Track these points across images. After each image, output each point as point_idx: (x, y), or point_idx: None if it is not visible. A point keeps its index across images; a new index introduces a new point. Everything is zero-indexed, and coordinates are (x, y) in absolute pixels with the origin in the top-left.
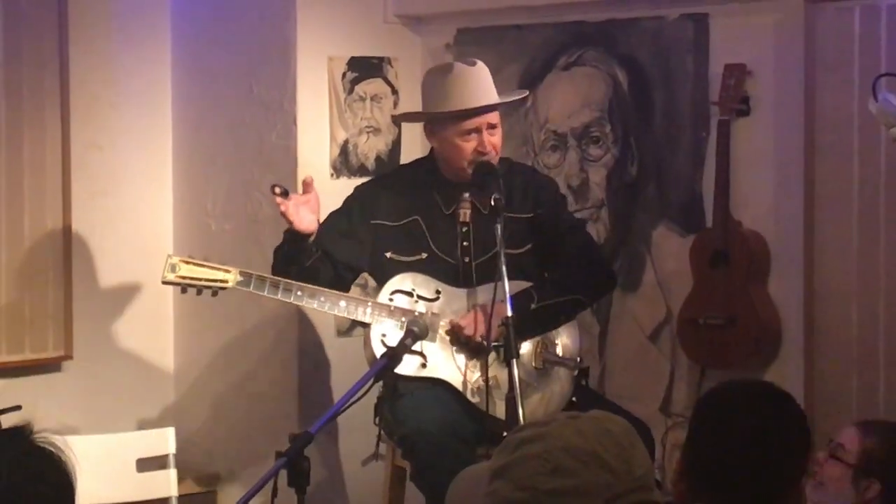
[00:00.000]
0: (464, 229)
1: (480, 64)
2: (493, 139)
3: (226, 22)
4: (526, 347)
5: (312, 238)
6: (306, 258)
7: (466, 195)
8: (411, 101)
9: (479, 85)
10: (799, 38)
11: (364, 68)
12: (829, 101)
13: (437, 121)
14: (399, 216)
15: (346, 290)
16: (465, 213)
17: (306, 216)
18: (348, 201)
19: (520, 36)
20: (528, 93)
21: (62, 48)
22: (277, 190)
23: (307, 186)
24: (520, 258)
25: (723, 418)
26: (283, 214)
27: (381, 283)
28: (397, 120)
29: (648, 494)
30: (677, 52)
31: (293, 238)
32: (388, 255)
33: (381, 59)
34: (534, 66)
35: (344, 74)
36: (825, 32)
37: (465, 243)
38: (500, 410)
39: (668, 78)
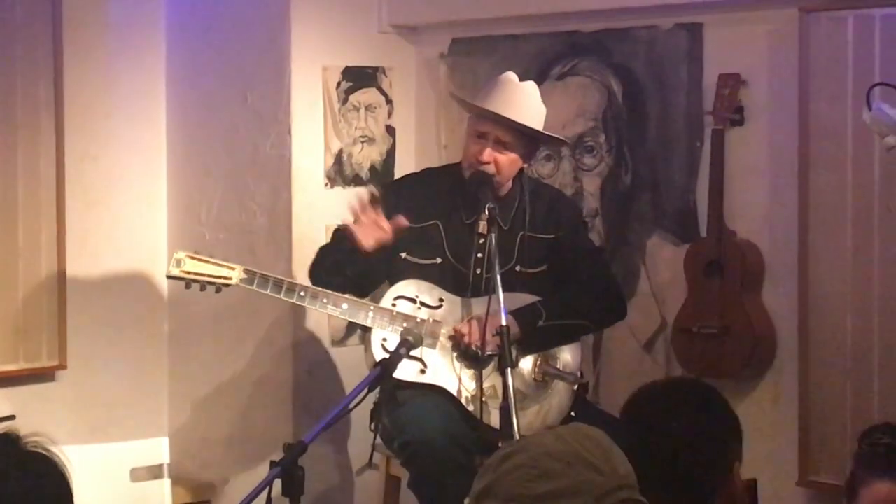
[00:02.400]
0: (481, 241)
1: (531, 84)
2: (499, 156)
3: (220, 32)
4: (527, 360)
5: (360, 253)
6: (355, 268)
7: (490, 206)
8: (406, 110)
9: (507, 96)
10: (793, 47)
11: (358, 78)
12: (823, 111)
13: (469, 116)
14: (420, 218)
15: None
16: (485, 226)
17: (370, 238)
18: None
19: (514, 45)
20: (567, 143)
21: (56, 58)
22: (375, 194)
23: (397, 227)
24: (534, 277)
25: (650, 421)
26: (357, 217)
27: (392, 281)
28: (451, 97)
29: (635, 493)
30: (671, 61)
31: (352, 248)
32: (403, 255)
33: (375, 69)
34: (528, 76)
35: (338, 84)
36: (819, 42)
37: (479, 255)
38: (495, 420)
39: (662, 87)
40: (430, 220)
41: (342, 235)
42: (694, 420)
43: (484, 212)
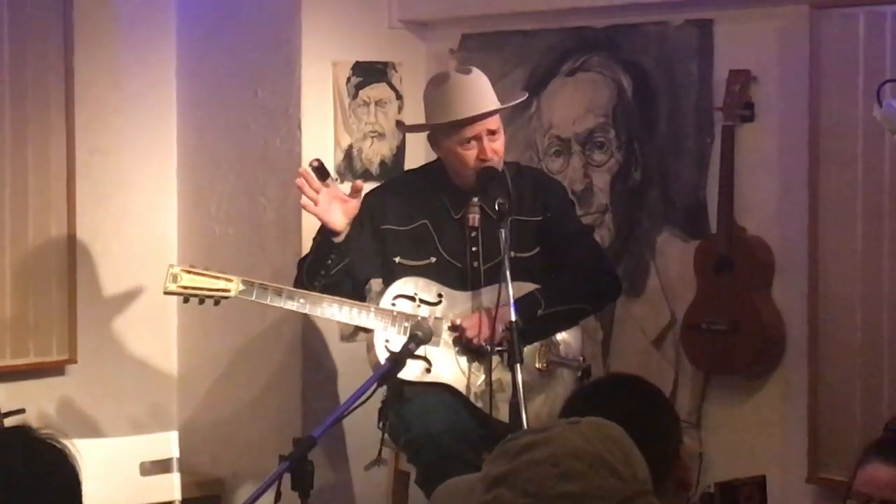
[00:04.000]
0: (472, 234)
1: (476, 71)
2: (494, 144)
3: (230, 27)
4: (529, 349)
5: (340, 240)
6: (332, 265)
7: (475, 199)
8: (416, 106)
9: (476, 93)
10: (803, 44)
11: (368, 73)
12: (834, 107)
13: (439, 131)
14: (407, 221)
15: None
16: (474, 218)
17: (337, 213)
18: (359, 212)
19: (524, 41)
20: (526, 95)
21: (67, 53)
22: (315, 163)
23: (356, 193)
24: (528, 261)
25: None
26: (305, 207)
27: (388, 285)
28: (400, 129)
29: (652, 499)
30: (682, 57)
31: (323, 237)
32: (397, 259)
33: (385, 65)
34: (538, 72)
35: (348, 79)
36: (830, 38)
37: (473, 248)
38: (503, 414)
39: (672, 84)
40: (419, 222)
41: (315, 238)
42: (634, 414)
43: (496, 206)
